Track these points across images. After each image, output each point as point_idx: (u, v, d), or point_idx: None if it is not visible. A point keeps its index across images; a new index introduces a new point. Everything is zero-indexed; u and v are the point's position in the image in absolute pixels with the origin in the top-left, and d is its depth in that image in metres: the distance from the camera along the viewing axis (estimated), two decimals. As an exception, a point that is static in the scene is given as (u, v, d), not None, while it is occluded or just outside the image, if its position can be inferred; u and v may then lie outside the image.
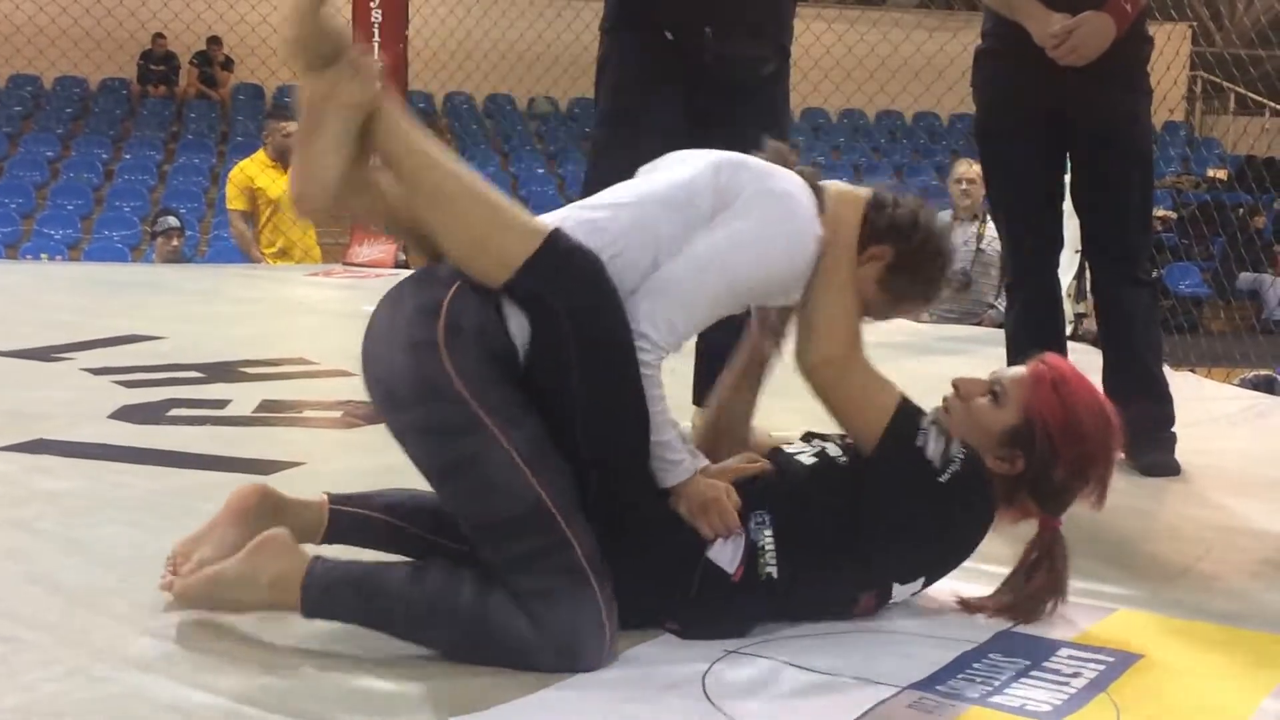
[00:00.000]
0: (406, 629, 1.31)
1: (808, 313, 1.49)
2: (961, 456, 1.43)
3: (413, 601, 1.31)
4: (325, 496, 1.53)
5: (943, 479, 1.42)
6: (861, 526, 1.42)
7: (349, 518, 1.50)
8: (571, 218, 1.42)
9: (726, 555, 1.40)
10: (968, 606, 1.50)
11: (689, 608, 1.39)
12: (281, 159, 5.62)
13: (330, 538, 1.50)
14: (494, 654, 1.29)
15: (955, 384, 1.51)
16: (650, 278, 1.39)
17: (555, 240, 1.35)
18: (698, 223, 1.43)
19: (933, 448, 1.43)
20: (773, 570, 1.41)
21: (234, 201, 5.67)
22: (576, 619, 1.28)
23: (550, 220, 1.40)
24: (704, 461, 1.45)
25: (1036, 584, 1.48)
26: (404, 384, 1.32)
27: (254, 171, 5.68)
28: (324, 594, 1.32)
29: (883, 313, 1.56)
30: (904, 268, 1.51)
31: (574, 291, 1.33)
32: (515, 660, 1.28)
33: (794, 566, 1.41)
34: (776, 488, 1.46)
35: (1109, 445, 1.49)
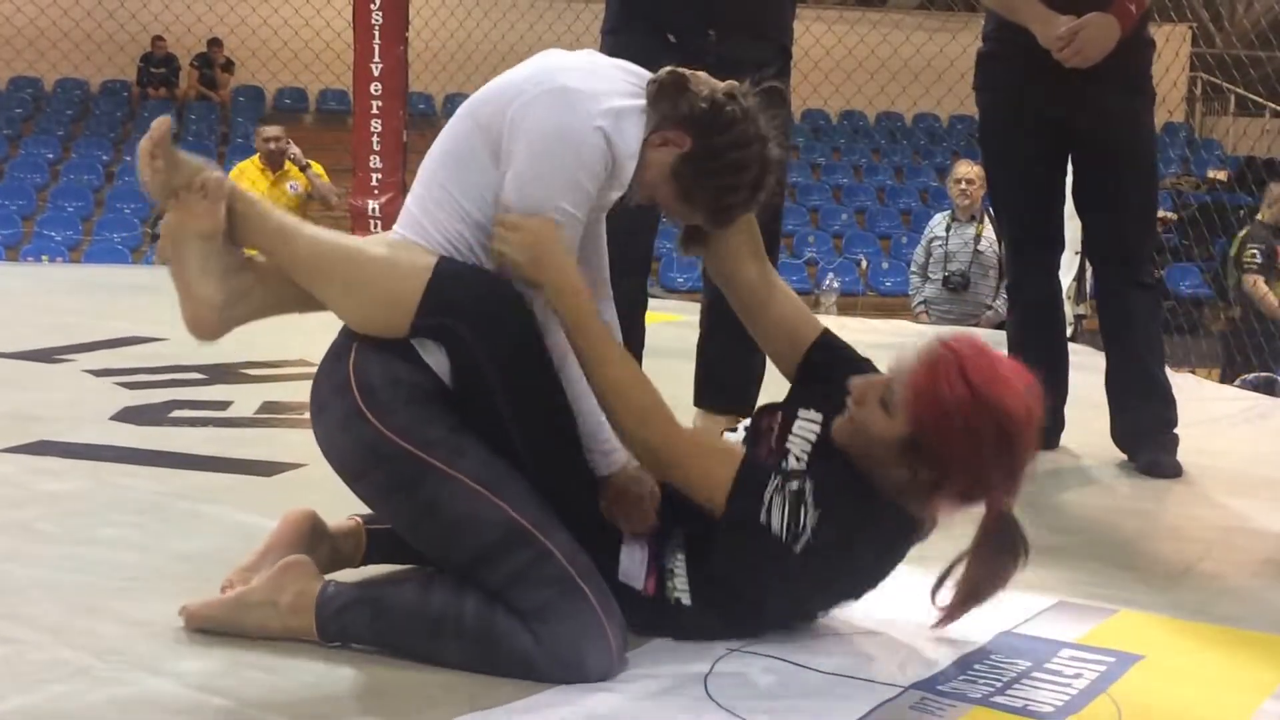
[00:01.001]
0: (418, 646, 1.31)
1: (598, 394, 1.36)
2: (813, 525, 1.30)
3: (421, 618, 1.31)
4: (358, 520, 1.54)
5: (796, 549, 1.31)
6: (740, 595, 1.36)
7: (385, 534, 1.52)
8: (403, 222, 1.41)
9: (635, 569, 1.39)
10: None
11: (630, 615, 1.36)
12: (268, 163, 5.65)
13: (370, 558, 1.53)
14: (502, 667, 1.29)
15: (850, 387, 1.37)
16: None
17: (440, 271, 1.34)
18: (488, 163, 1.36)
19: (777, 520, 1.31)
20: (683, 596, 1.38)
21: None
22: (575, 631, 1.28)
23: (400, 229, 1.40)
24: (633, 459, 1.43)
25: (969, 573, 1.35)
26: (350, 458, 1.35)
27: (242, 174, 5.72)
28: (336, 617, 1.33)
29: (671, 206, 1.41)
30: (697, 164, 1.37)
31: (474, 315, 1.32)
32: (523, 674, 1.28)
33: (705, 599, 1.37)
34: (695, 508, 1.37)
35: (1008, 447, 1.29)
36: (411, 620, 1.31)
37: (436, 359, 1.34)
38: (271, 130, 5.78)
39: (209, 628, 1.36)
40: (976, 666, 1.37)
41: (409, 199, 1.45)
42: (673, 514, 1.40)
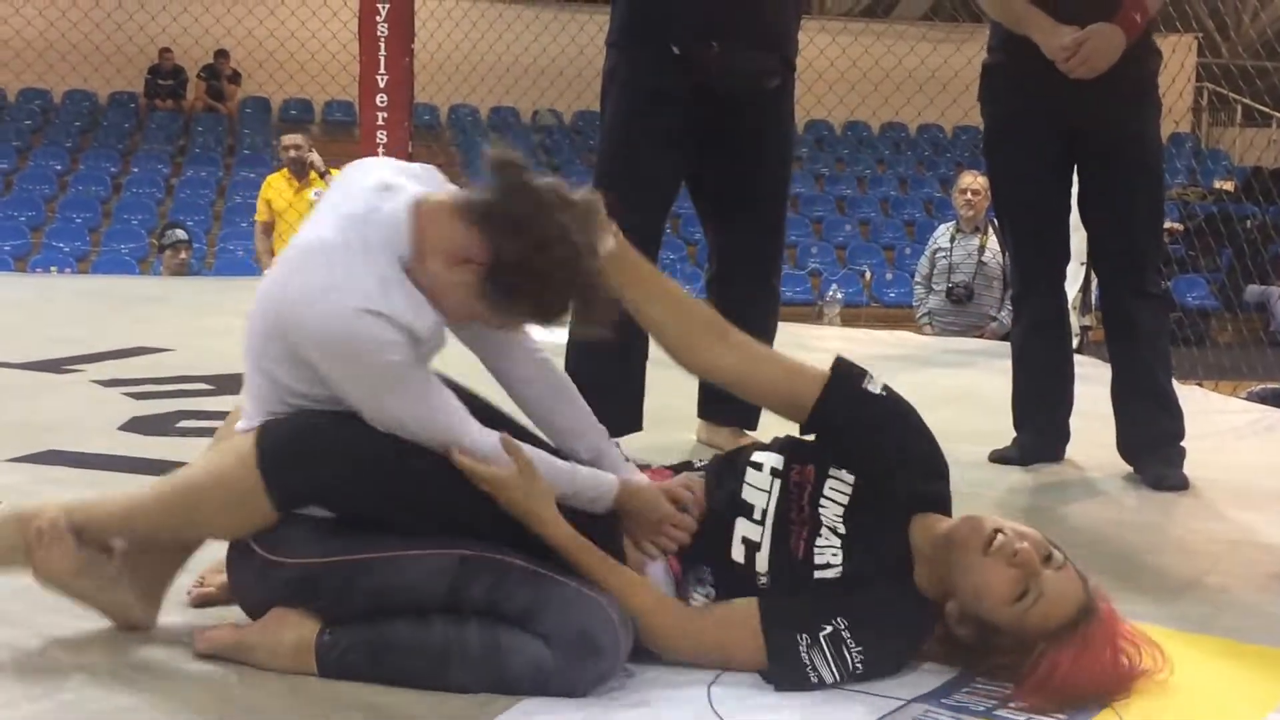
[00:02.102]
0: (425, 679, 1.29)
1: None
2: (862, 659, 1.31)
3: (425, 650, 1.29)
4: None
5: (843, 681, 1.32)
6: None
7: None
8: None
9: (659, 577, 1.39)
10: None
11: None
12: (293, 172, 5.70)
13: None
14: (515, 684, 1.28)
15: (1020, 542, 1.32)
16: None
17: (263, 440, 1.29)
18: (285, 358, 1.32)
19: (827, 673, 1.31)
20: None
21: (257, 213, 5.88)
22: (572, 614, 1.28)
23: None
24: (635, 475, 1.43)
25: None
26: (284, 602, 1.32)
27: (273, 184, 5.80)
28: (337, 661, 1.31)
29: (493, 319, 1.33)
30: (504, 277, 1.26)
31: (318, 454, 1.29)
32: (537, 685, 1.27)
33: None
34: (723, 556, 1.39)
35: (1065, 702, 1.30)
36: (415, 655, 1.30)
37: (319, 513, 1.32)
38: (291, 138, 5.83)
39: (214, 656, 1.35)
40: (979, 680, 1.37)
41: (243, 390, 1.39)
42: (703, 546, 1.40)
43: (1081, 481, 2.43)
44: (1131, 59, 2.30)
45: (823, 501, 1.41)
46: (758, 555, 1.39)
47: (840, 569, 1.38)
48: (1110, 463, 2.48)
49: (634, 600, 1.34)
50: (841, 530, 1.40)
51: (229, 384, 2.99)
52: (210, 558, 1.49)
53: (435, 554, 1.30)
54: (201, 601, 1.48)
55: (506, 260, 1.25)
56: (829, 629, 1.32)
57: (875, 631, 1.34)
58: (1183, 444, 2.44)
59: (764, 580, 1.39)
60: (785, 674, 1.32)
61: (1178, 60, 6.00)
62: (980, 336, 4.74)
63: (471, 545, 1.31)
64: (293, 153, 5.68)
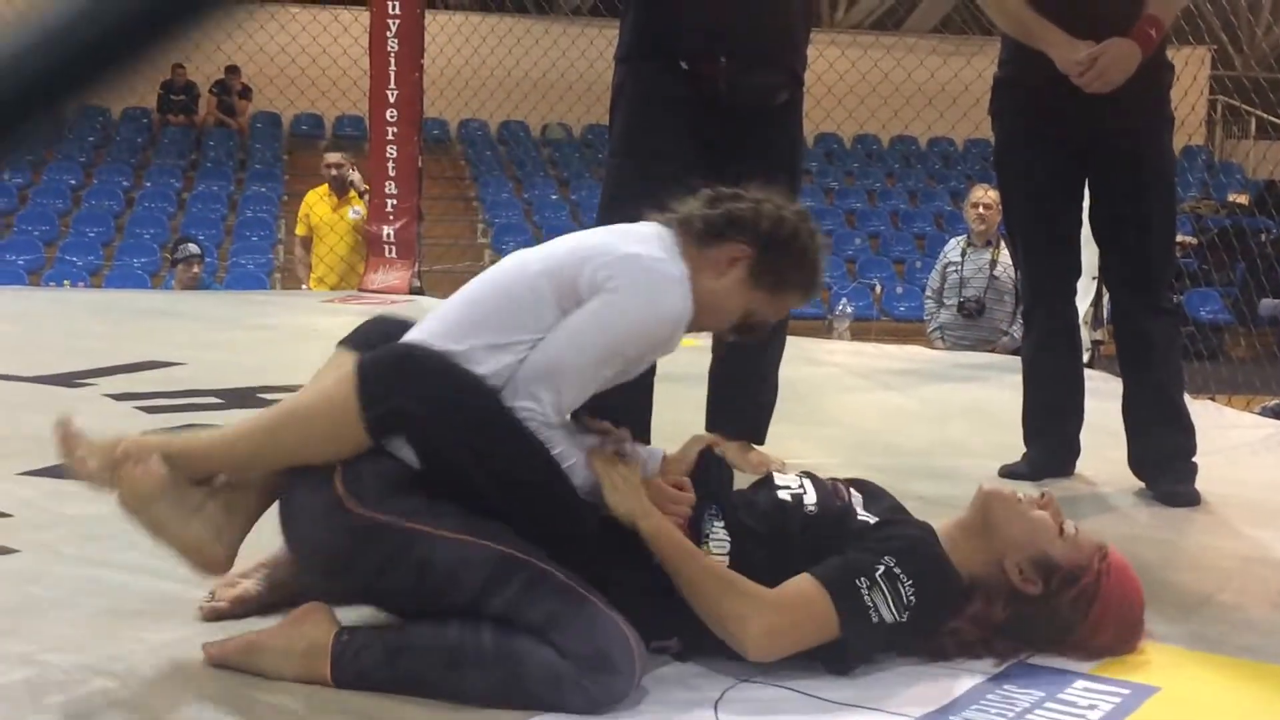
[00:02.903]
0: (439, 682, 1.30)
1: (704, 617, 1.39)
2: (913, 592, 1.38)
3: (440, 652, 1.31)
4: None
5: (904, 619, 1.39)
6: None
7: None
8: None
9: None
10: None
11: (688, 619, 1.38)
12: (333, 189, 5.76)
13: None
14: (529, 693, 1.28)
15: (1041, 492, 1.51)
16: (529, 356, 1.39)
17: (363, 366, 1.35)
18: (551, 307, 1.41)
19: (886, 611, 1.38)
20: (723, 558, 1.43)
21: (298, 227, 5.95)
22: (592, 630, 1.29)
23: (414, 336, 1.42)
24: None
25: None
26: (333, 549, 1.35)
27: (313, 200, 5.85)
28: (353, 660, 1.32)
29: (768, 311, 1.50)
30: (769, 260, 1.46)
31: (414, 387, 1.33)
32: (551, 697, 1.28)
33: (743, 553, 1.43)
34: (731, 504, 1.48)
35: (1118, 642, 1.48)
36: (430, 654, 1.31)
37: (406, 454, 1.35)
38: (333, 157, 5.89)
39: (225, 666, 1.35)
40: (989, 697, 1.36)
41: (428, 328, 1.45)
42: (705, 488, 1.47)
43: (1092, 497, 2.42)
44: (1144, 73, 2.29)
45: (854, 500, 1.53)
46: (804, 496, 1.50)
47: (877, 519, 1.48)
48: (1121, 478, 2.47)
49: (725, 603, 1.37)
50: (872, 521, 1.51)
51: (239, 398, 3.01)
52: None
53: (483, 545, 1.32)
54: (213, 616, 1.49)
55: (769, 245, 1.45)
56: (882, 568, 1.39)
57: (920, 563, 1.41)
58: (1195, 460, 2.43)
59: (812, 509, 1.47)
60: (855, 622, 1.36)
61: (1191, 73, 5.99)
62: (991, 351, 4.71)
63: (514, 543, 1.33)
64: (334, 170, 5.73)
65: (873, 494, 1.57)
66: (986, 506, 1.47)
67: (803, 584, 1.38)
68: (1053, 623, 1.45)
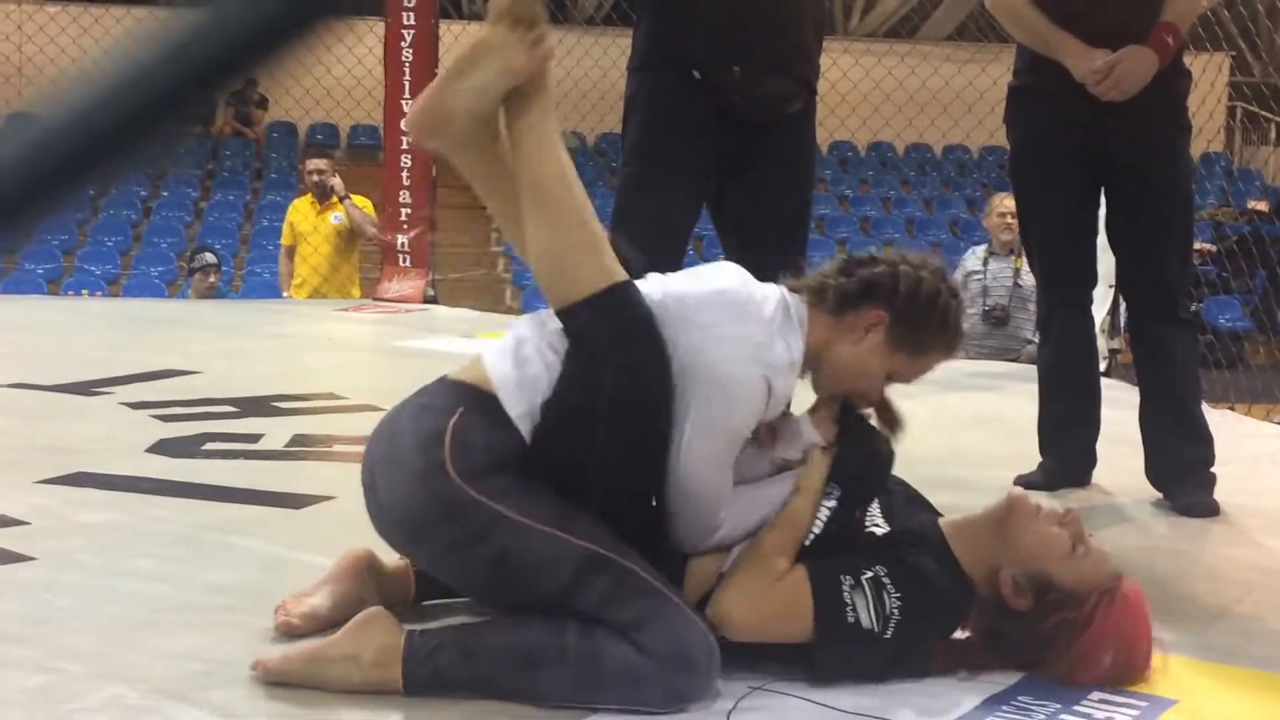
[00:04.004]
0: (516, 680, 1.29)
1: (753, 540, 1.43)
2: (898, 604, 1.37)
3: (520, 650, 1.30)
4: (406, 561, 1.54)
5: (888, 635, 1.37)
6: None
7: (432, 577, 1.52)
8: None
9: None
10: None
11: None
12: (316, 195, 5.77)
13: (420, 597, 1.54)
14: (608, 691, 1.28)
15: (1064, 508, 1.47)
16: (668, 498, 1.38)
17: (624, 290, 1.36)
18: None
19: (865, 615, 1.37)
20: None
21: (283, 237, 5.98)
22: (675, 631, 1.29)
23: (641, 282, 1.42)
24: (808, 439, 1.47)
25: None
26: (419, 511, 1.34)
27: (294, 209, 5.88)
28: (427, 660, 1.31)
29: (912, 373, 1.49)
30: (908, 325, 1.44)
31: (620, 345, 1.33)
32: (629, 695, 1.27)
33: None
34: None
35: (1105, 674, 1.41)
36: (507, 654, 1.30)
37: (534, 413, 1.34)
38: (315, 163, 5.91)
39: (286, 682, 1.32)
40: (1003, 708, 1.35)
41: None
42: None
43: (1109, 507, 2.40)
44: (1161, 81, 2.28)
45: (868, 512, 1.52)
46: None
47: (887, 530, 1.47)
48: (1138, 488, 2.45)
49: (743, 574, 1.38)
50: (880, 533, 1.49)
51: (254, 406, 3.02)
52: (270, 592, 1.50)
53: (569, 540, 1.31)
54: (287, 630, 1.45)
55: (907, 309, 1.43)
56: (870, 574, 1.38)
57: (916, 585, 1.38)
58: (1213, 470, 2.40)
59: (819, 527, 1.44)
60: (827, 614, 1.35)
61: (1209, 79, 5.96)
62: (1015, 360, 4.67)
63: (601, 539, 1.32)
64: (315, 177, 5.75)
65: (895, 494, 1.55)
66: (1007, 510, 1.45)
67: (794, 574, 1.39)
68: (1030, 643, 1.40)
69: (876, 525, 1.48)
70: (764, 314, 1.40)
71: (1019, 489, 1.47)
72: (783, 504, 1.43)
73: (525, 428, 1.34)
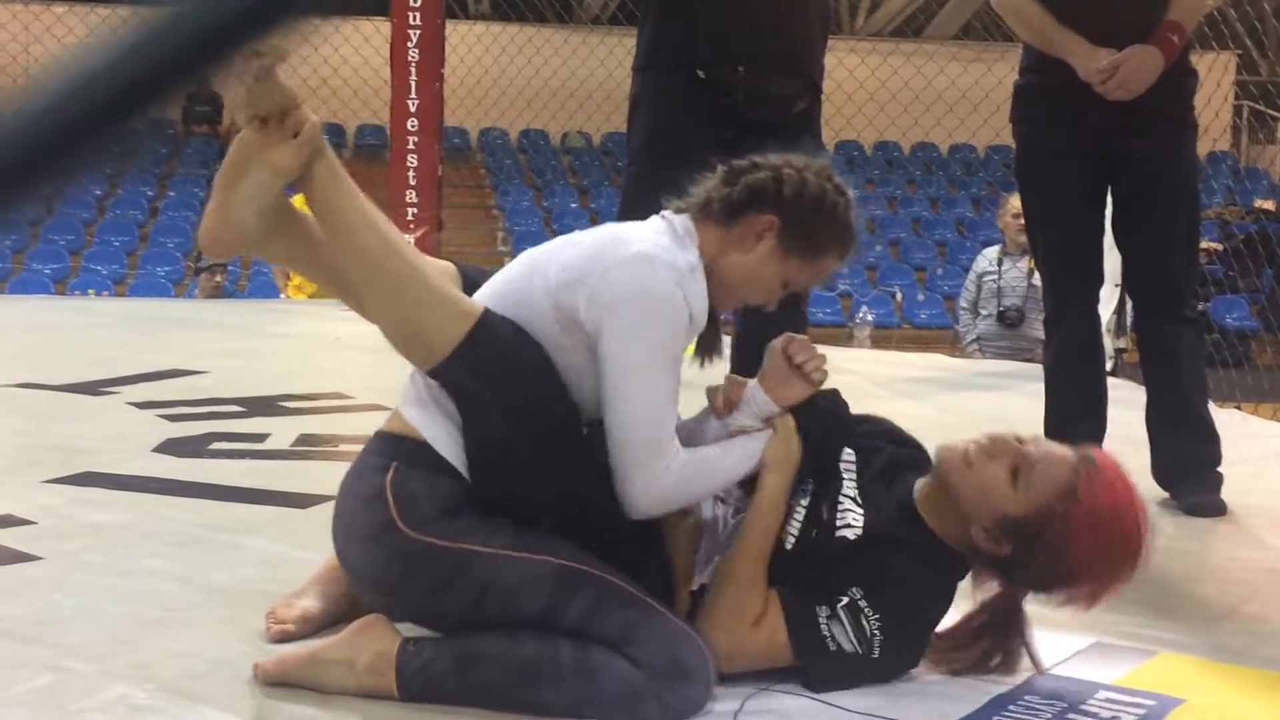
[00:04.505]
0: (511, 694, 1.28)
1: (713, 590, 1.40)
2: (880, 628, 1.35)
3: (515, 664, 1.29)
4: None
5: (874, 655, 1.35)
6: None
7: None
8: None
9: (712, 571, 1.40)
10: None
11: None
12: None
13: None
14: (605, 707, 1.26)
15: (989, 438, 1.39)
16: (610, 448, 1.34)
17: (482, 327, 1.32)
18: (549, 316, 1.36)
19: (846, 643, 1.35)
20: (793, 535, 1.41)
21: None
22: (666, 641, 1.28)
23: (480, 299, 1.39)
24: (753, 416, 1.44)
25: (981, 648, 1.41)
26: (384, 572, 1.34)
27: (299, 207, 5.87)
28: (421, 672, 1.30)
29: (807, 278, 1.45)
30: (799, 227, 1.40)
31: (500, 381, 1.31)
32: (627, 710, 1.26)
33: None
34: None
35: (1113, 577, 1.36)
36: (503, 668, 1.28)
37: (449, 432, 1.33)
38: None
39: (283, 683, 1.33)
40: (1010, 707, 1.35)
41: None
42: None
43: (1116, 506, 2.39)
44: (1167, 80, 2.27)
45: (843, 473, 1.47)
46: (790, 519, 1.43)
47: (860, 530, 1.41)
48: (1145, 488, 2.43)
49: (742, 595, 1.36)
50: (859, 499, 1.45)
51: (260, 406, 3.03)
52: (277, 592, 1.50)
53: (545, 560, 1.30)
54: (281, 638, 1.45)
55: (795, 211, 1.39)
56: (845, 600, 1.36)
57: (893, 599, 1.37)
58: (1220, 469, 2.40)
59: (792, 540, 1.41)
60: (807, 647, 1.35)
61: (1215, 78, 5.94)
62: (1030, 361, 4.65)
63: (570, 554, 1.31)
64: None
65: (873, 455, 1.50)
66: (941, 472, 1.40)
67: (770, 608, 1.37)
68: (1040, 578, 1.37)
69: (849, 526, 1.42)
70: (647, 235, 1.38)
71: (942, 443, 1.41)
72: (751, 457, 1.39)
73: (463, 467, 1.33)
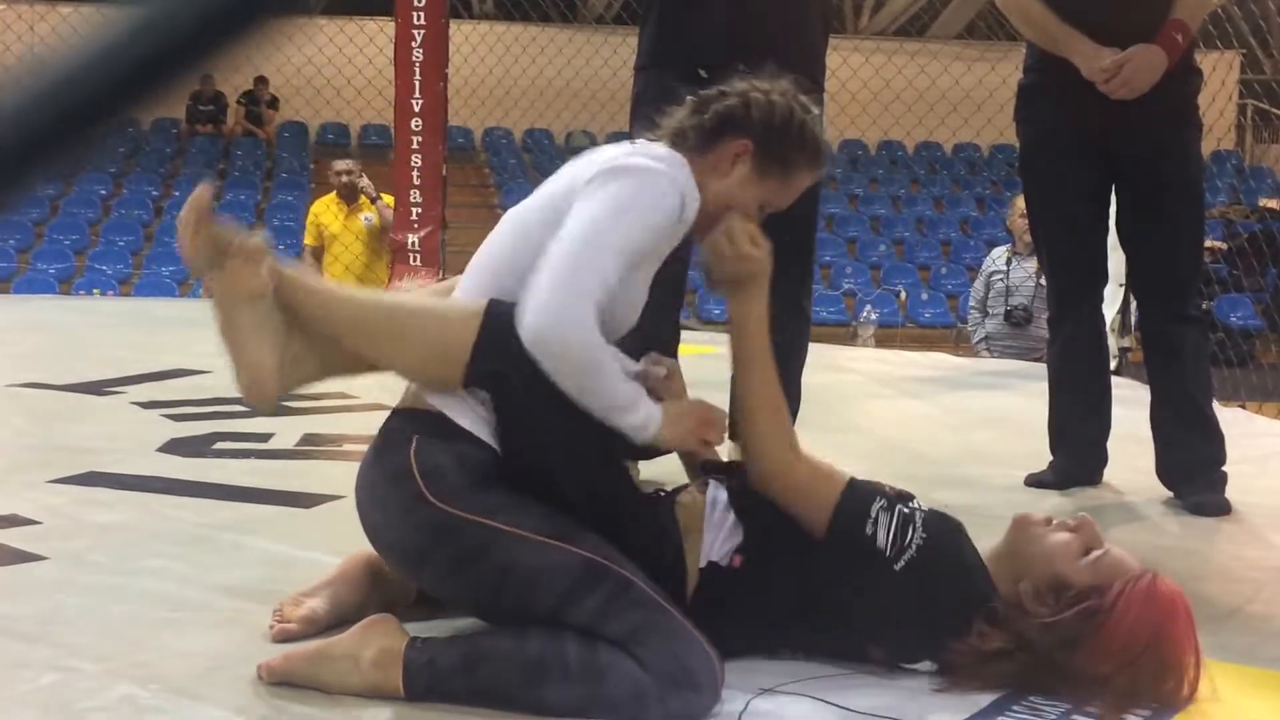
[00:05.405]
0: (518, 694, 1.28)
1: (742, 428, 1.43)
2: (919, 545, 1.35)
3: (521, 663, 1.29)
4: None
5: (897, 566, 1.35)
6: (819, 611, 1.39)
7: None
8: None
9: (718, 548, 1.40)
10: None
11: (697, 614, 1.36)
12: (342, 197, 5.80)
13: (421, 597, 1.53)
14: (610, 708, 1.26)
15: (1076, 516, 1.43)
16: (541, 262, 1.34)
17: (492, 316, 1.34)
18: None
19: (883, 535, 1.36)
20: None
21: (305, 236, 6.00)
22: (675, 644, 1.28)
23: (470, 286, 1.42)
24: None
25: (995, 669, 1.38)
26: (413, 543, 1.35)
27: (321, 209, 5.91)
28: (426, 668, 1.30)
29: (782, 197, 1.48)
30: (771, 147, 1.43)
31: (527, 362, 1.32)
32: (634, 710, 1.26)
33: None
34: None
35: (1126, 681, 1.31)
36: (509, 667, 1.28)
37: (487, 418, 1.35)
38: (343, 164, 5.93)
39: (288, 682, 1.32)
40: (1013, 708, 1.35)
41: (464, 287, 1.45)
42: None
43: (1119, 506, 2.39)
44: (1171, 79, 2.27)
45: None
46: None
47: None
48: (1149, 487, 2.44)
49: (774, 436, 1.39)
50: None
51: (265, 406, 3.04)
52: (281, 592, 1.50)
53: (568, 550, 1.30)
54: (283, 637, 1.45)
55: (765, 131, 1.42)
56: (907, 510, 1.38)
57: (946, 542, 1.38)
58: (1224, 468, 2.39)
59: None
60: (849, 511, 1.36)
61: (1220, 77, 5.92)
62: (1039, 361, 4.65)
63: (596, 547, 1.32)
64: (345, 178, 5.77)
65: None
66: (1012, 530, 1.43)
67: (832, 470, 1.41)
68: (1057, 642, 1.34)
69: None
70: (626, 149, 1.43)
71: (1024, 512, 1.44)
72: (638, 408, 1.37)
73: (487, 435, 1.35)
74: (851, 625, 1.40)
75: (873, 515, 1.37)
